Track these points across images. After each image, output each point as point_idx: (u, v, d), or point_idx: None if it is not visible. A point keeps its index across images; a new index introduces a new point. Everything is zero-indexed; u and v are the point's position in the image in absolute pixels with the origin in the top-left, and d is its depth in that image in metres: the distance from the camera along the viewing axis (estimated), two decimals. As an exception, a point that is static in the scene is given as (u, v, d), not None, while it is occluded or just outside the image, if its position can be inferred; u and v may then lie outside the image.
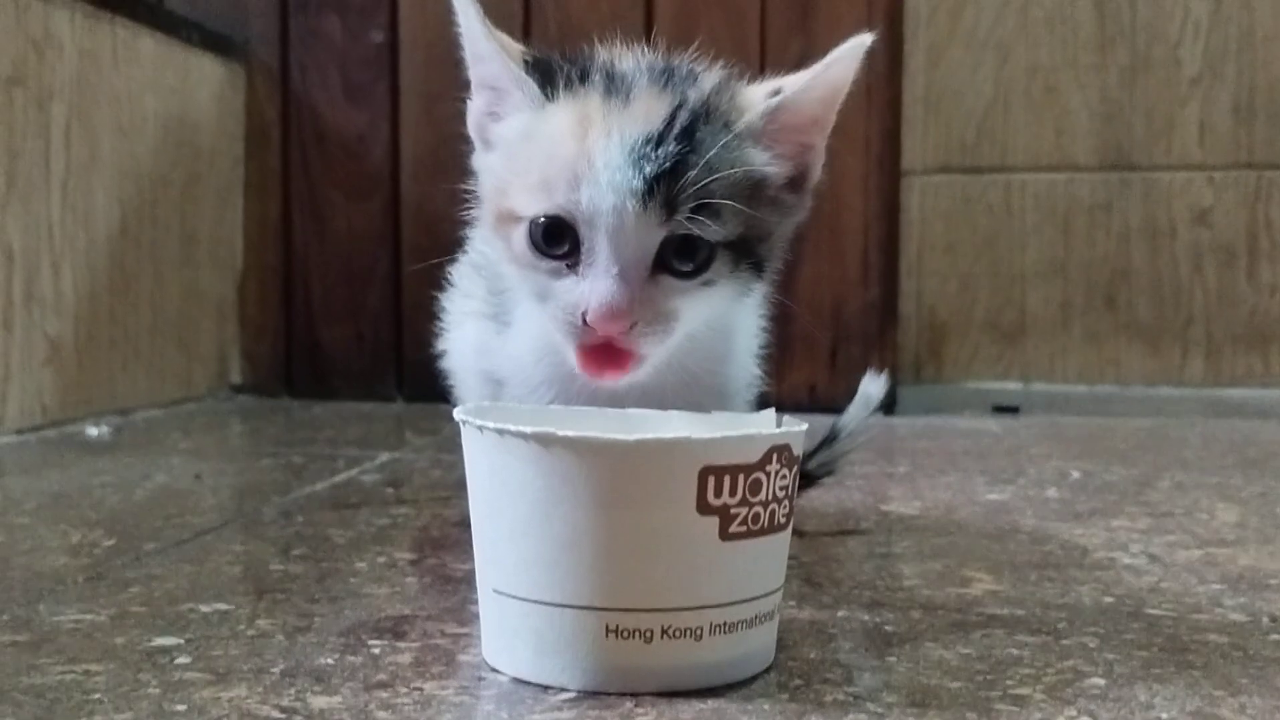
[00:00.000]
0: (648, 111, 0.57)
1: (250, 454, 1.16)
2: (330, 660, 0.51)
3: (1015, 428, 1.38)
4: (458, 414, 0.51)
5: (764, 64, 1.46)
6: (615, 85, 0.59)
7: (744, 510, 0.47)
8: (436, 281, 0.75)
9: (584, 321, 0.56)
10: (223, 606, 0.60)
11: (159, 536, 0.75)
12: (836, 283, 1.48)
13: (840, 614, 0.59)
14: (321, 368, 1.58)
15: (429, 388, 0.79)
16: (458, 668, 0.51)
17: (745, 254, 0.59)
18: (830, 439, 0.81)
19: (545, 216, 0.57)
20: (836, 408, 1.42)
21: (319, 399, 1.55)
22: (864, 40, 0.60)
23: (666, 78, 0.60)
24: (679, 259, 0.57)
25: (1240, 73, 1.76)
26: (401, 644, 0.54)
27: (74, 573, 0.66)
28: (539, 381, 0.64)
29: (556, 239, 0.57)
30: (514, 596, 0.48)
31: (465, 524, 0.51)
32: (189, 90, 1.47)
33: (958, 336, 1.84)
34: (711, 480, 0.46)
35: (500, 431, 0.48)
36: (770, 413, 0.54)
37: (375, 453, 1.12)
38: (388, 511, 0.85)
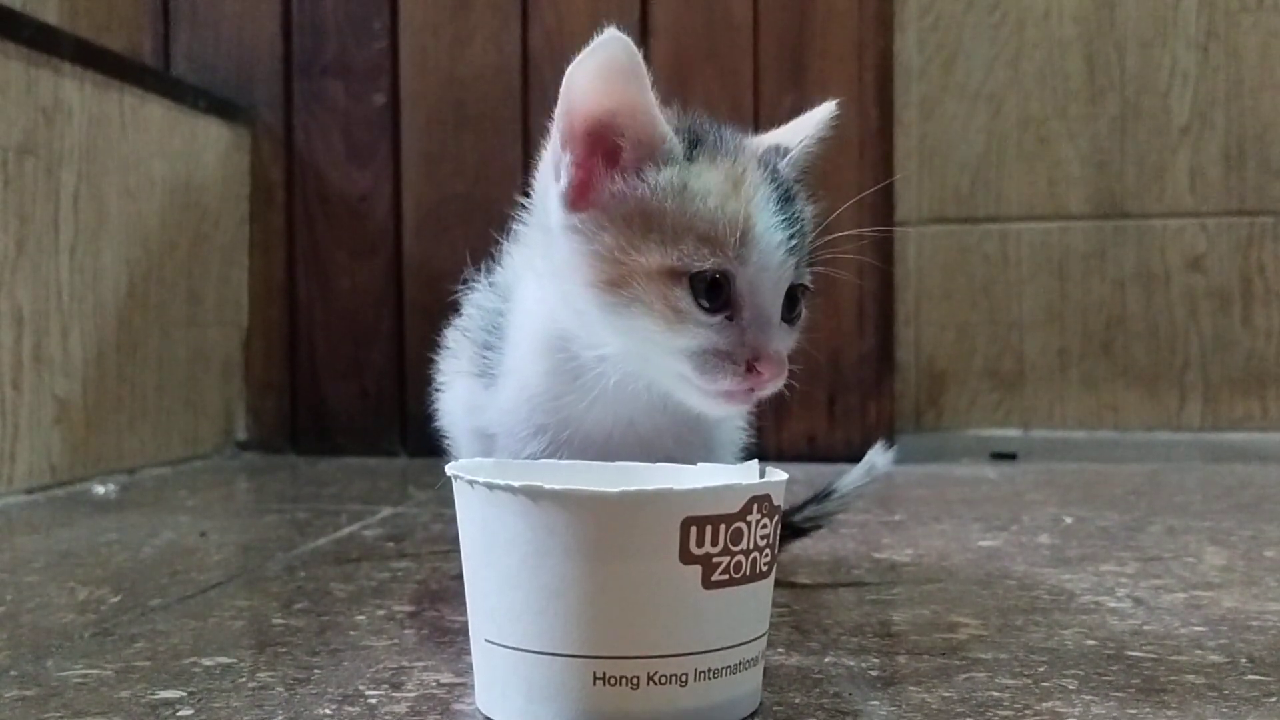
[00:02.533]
0: (775, 175, 0.64)
1: (255, 510, 1.17)
2: (329, 711, 0.53)
3: (1012, 474, 1.39)
4: (449, 470, 0.53)
5: (758, 120, 1.50)
6: (741, 150, 0.64)
7: (726, 559, 0.49)
8: (439, 339, 0.77)
9: (749, 369, 0.61)
10: (225, 660, 0.61)
11: (164, 593, 0.77)
12: (832, 333, 1.50)
13: (827, 659, 0.61)
14: (326, 424, 1.60)
15: (432, 443, 0.81)
16: (453, 716, 0.52)
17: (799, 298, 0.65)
18: (822, 495, 0.82)
19: (712, 271, 0.60)
20: (835, 458, 1.45)
21: (324, 455, 1.57)
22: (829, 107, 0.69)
23: (757, 143, 0.67)
24: (789, 308, 0.63)
25: (1230, 121, 1.79)
26: (398, 694, 0.55)
27: (81, 629, 0.68)
28: (528, 433, 0.66)
29: (718, 293, 0.61)
30: (505, 646, 0.50)
31: (463, 577, 0.53)
32: (195, 154, 1.51)
33: (956, 384, 1.86)
34: (694, 530, 0.48)
35: (490, 486, 0.50)
36: (754, 464, 0.56)
37: (378, 508, 1.13)
38: (388, 565, 0.86)
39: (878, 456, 0.80)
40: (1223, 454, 1.58)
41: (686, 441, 0.67)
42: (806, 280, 0.64)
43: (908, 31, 1.84)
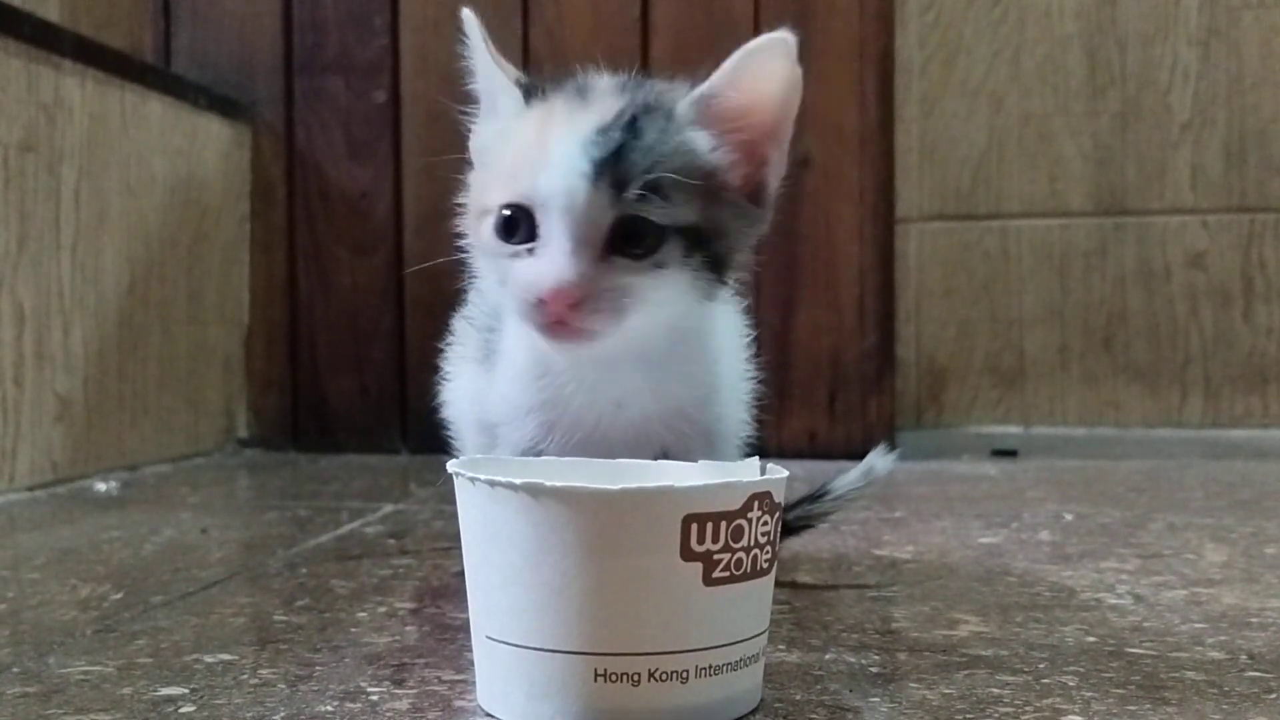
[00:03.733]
0: (601, 109, 0.62)
1: (256, 507, 1.18)
2: (330, 707, 0.53)
3: (1013, 471, 1.39)
4: (450, 467, 0.53)
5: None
6: (580, 91, 0.64)
7: (727, 556, 0.49)
8: (439, 335, 0.77)
9: (539, 300, 0.59)
10: (227, 657, 0.61)
11: (166, 589, 0.77)
12: (833, 331, 1.50)
13: (828, 656, 0.61)
14: (327, 421, 1.60)
15: (433, 440, 0.81)
16: (454, 713, 0.52)
17: (699, 244, 0.61)
18: (816, 495, 0.81)
19: (509, 204, 0.61)
20: (836, 455, 1.45)
21: (325, 452, 1.57)
22: (782, 36, 0.62)
23: (626, 86, 0.65)
24: (630, 242, 0.60)
25: (1230, 118, 1.79)
26: (399, 690, 0.55)
27: (83, 626, 0.68)
28: (519, 415, 0.67)
29: (518, 226, 0.61)
30: (506, 643, 0.50)
31: (464, 573, 0.53)
32: (196, 151, 1.51)
33: (957, 381, 1.86)
34: (694, 527, 0.48)
35: (490, 483, 0.50)
36: (754, 460, 0.56)
37: (379, 505, 1.13)
38: (389, 562, 0.86)
39: (878, 459, 0.79)
40: (1223, 451, 1.58)
41: (681, 431, 0.67)
42: (652, 214, 0.59)
43: (908, 28, 1.84)
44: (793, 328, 1.50)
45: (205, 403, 1.54)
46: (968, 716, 0.51)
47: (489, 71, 0.67)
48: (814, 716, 0.51)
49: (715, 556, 0.48)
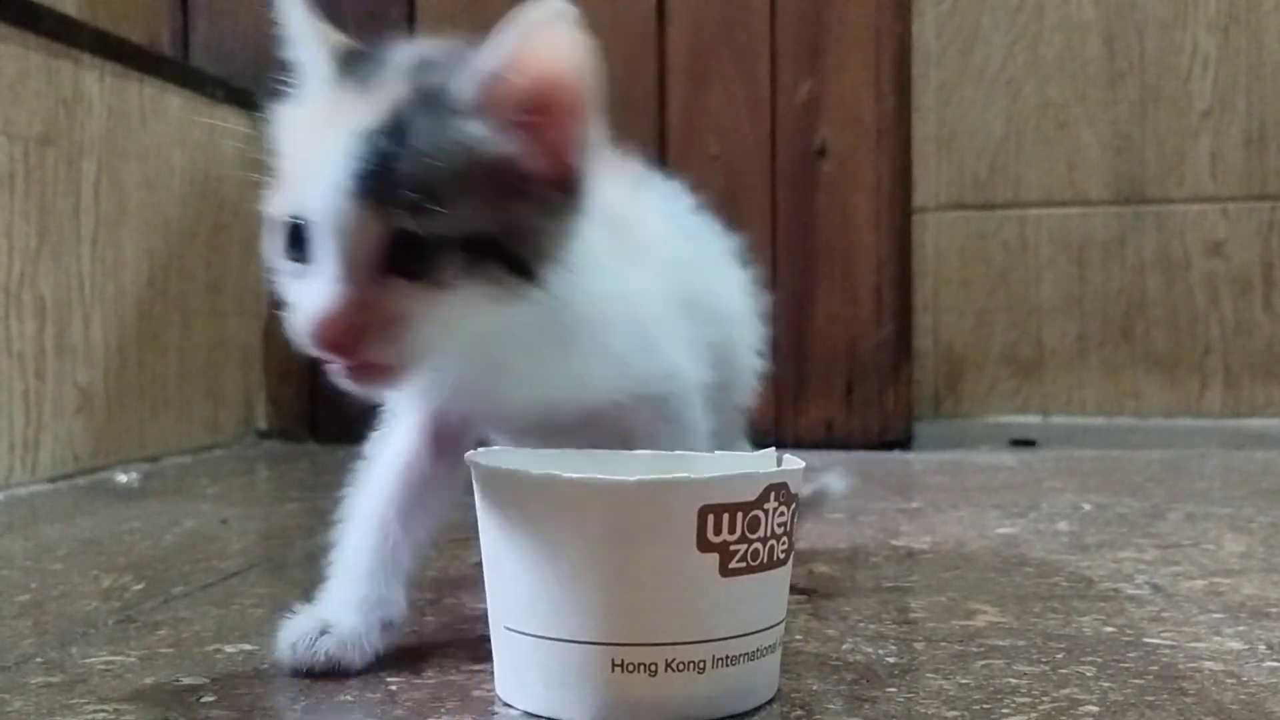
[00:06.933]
0: (377, 100, 0.53)
1: (276, 498, 1.18)
2: (350, 697, 0.53)
3: (1031, 461, 1.39)
4: (468, 458, 0.53)
5: (775, 106, 1.50)
6: (363, 76, 0.55)
7: (743, 547, 0.49)
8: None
9: (310, 331, 0.52)
10: (247, 647, 0.62)
11: (187, 580, 0.78)
12: (850, 320, 1.50)
13: (845, 646, 0.61)
14: (345, 412, 1.60)
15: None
16: (472, 703, 0.53)
17: (493, 253, 0.53)
18: None
19: (290, 215, 0.53)
20: (853, 445, 1.45)
21: (343, 443, 1.57)
22: (557, 4, 0.52)
23: (416, 65, 0.55)
24: (409, 260, 0.51)
25: (1251, 105, 1.78)
26: (418, 680, 0.56)
27: (105, 616, 0.68)
28: (455, 402, 0.63)
29: (302, 239, 0.53)
30: (524, 633, 0.50)
31: (482, 564, 0.53)
32: (214, 143, 1.51)
33: (975, 371, 1.85)
34: (711, 518, 0.48)
35: (509, 474, 0.50)
36: (771, 451, 0.56)
37: (398, 495, 1.14)
38: (408, 553, 0.87)
39: (834, 480, 0.78)
40: (1243, 440, 1.57)
41: (597, 426, 0.61)
42: (424, 228, 0.51)
43: (926, 16, 1.83)
44: (810, 318, 1.50)
45: (224, 394, 1.55)
46: (985, 706, 0.51)
47: (303, 35, 0.57)
48: (831, 707, 0.52)
49: (732, 547, 0.49)
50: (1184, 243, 1.80)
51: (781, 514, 0.50)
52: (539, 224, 0.55)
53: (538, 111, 0.53)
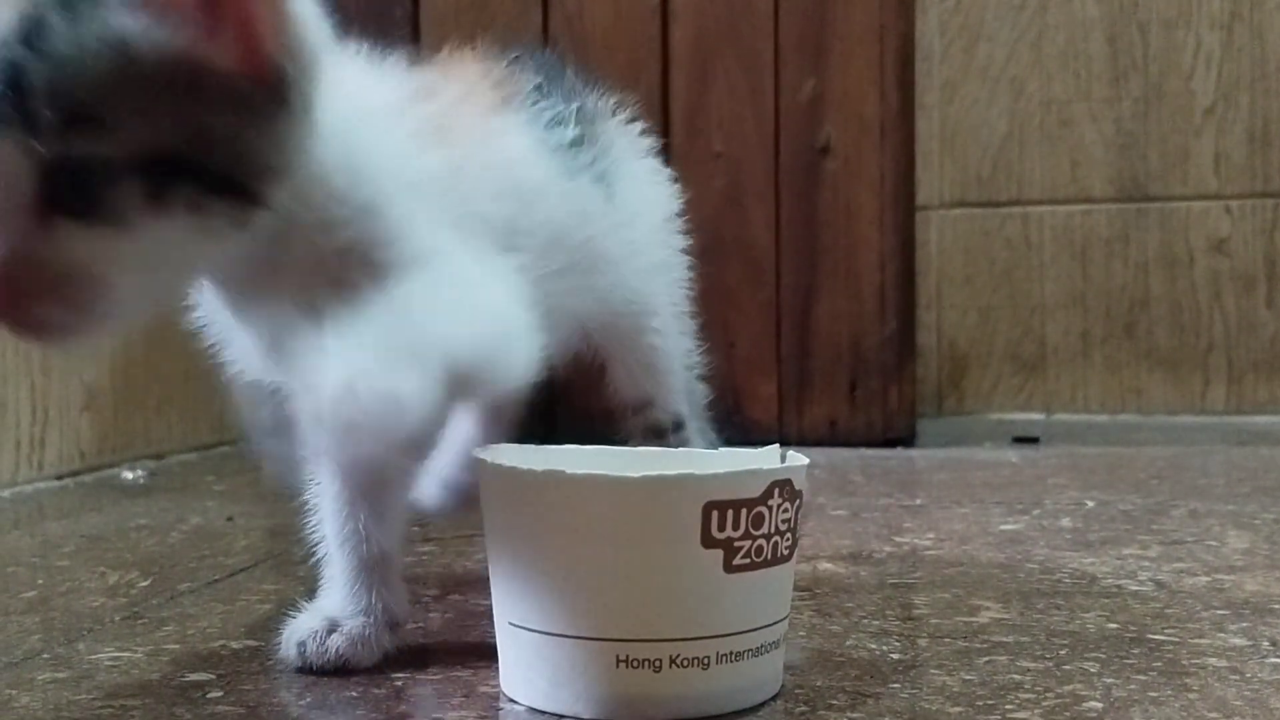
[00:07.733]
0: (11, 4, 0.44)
1: (281, 495, 1.18)
2: (355, 693, 0.54)
3: (1035, 458, 1.39)
4: (474, 454, 0.53)
5: (778, 104, 1.50)
6: None
7: (747, 543, 0.49)
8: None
9: None
10: (253, 643, 0.62)
11: (193, 577, 0.78)
12: (854, 318, 1.50)
13: (849, 642, 0.61)
14: (350, 410, 1.61)
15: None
16: (477, 698, 0.53)
17: (186, 173, 0.45)
18: None
19: None
20: (856, 442, 1.45)
21: (348, 440, 1.58)
22: None
23: None
24: (73, 195, 0.43)
25: (1254, 102, 1.78)
26: (423, 676, 0.56)
27: (111, 612, 0.69)
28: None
29: None
30: (528, 629, 0.50)
31: (488, 560, 0.53)
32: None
33: (978, 368, 1.85)
34: (715, 515, 0.48)
35: (514, 471, 0.50)
36: (774, 448, 0.56)
37: (402, 492, 1.14)
38: (413, 549, 0.87)
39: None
40: (1246, 437, 1.57)
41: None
42: (106, 150, 0.43)
43: (929, 14, 1.83)
44: (813, 315, 1.50)
45: (231, 392, 1.55)
46: (988, 703, 0.51)
47: None
48: (835, 703, 0.52)
49: (736, 544, 0.49)
50: (1187, 240, 1.80)
51: (785, 510, 0.50)
52: (238, 129, 0.46)
53: None
